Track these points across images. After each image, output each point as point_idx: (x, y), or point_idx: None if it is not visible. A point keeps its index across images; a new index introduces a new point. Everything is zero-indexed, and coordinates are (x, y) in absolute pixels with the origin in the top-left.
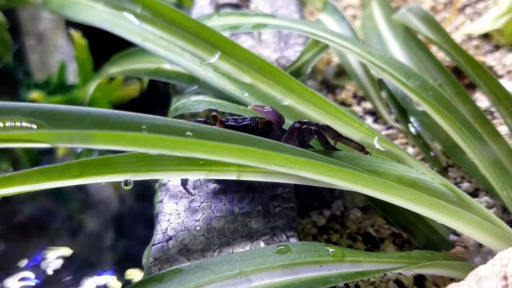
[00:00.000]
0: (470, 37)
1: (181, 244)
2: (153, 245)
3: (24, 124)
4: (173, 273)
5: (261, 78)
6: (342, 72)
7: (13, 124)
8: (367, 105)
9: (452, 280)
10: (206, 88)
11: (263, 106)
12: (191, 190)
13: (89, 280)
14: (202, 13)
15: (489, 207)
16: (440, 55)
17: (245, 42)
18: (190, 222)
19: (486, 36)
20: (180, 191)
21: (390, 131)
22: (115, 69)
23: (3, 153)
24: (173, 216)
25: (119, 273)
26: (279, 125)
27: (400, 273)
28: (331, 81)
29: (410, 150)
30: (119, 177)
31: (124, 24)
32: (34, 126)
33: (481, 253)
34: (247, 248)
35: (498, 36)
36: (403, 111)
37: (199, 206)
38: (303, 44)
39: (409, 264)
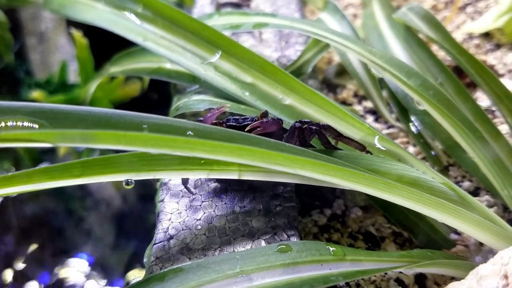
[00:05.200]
0: (471, 36)
1: (182, 243)
2: (154, 244)
3: (26, 124)
4: (174, 272)
5: (262, 78)
6: (343, 71)
7: (15, 124)
8: (368, 104)
9: (453, 279)
10: (207, 87)
11: (262, 121)
12: (192, 189)
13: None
14: (203, 13)
15: (490, 206)
16: (441, 54)
17: (246, 41)
18: (191, 221)
19: (487, 35)
20: (181, 190)
21: (391, 130)
22: (116, 68)
23: (5, 153)
24: (174, 215)
25: (120, 272)
26: (279, 130)
27: (401, 272)
28: (332, 80)
29: (411, 149)
30: (121, 177)
31: (125, 24)
32: (36, 126)
33: (482, 252)
34: (248, 247)
35: (499, 35)
36: (404, 110)
37: (200, 205)
38: (304, 44)
39: (410, 263)
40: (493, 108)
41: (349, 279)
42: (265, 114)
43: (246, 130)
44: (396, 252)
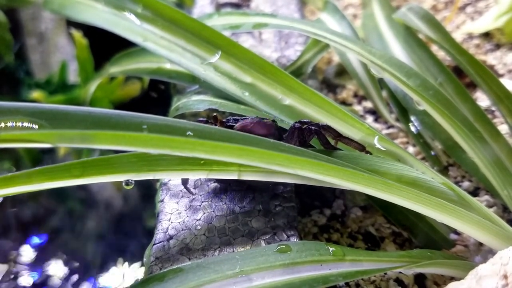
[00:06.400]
0: (470, 36)
1: (182, 243)
2: (154, 244)
3: (26, 124)
4: (174, 272)
5: (262, 78)
6: (342, 71)
7: (14, 124)
8: (368, 104)
9: (452, 279)
10: (207, 87)
11: (252, 121)
12: (192, 190)
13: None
14: (203, 13)
15: (490, 206)
16: (440, 54)
17: (246, 41)
18: (191, 221)
19: (486, 35)
20: (181, 191)
21: (390, 130)
22: (116, 68)
23: (5, 153)
24: (174, 215)
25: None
26: (273, 131)
27: (400, 272)
28: (331, 80)
29: (411, 149)
30: (121, 177)
31: (125, 24)
32: (36, 126)
33: (482, 252)
34: (248, 247)
35: (498, 35)
36: (403, 110)
37: (200, 205)
38: (303, 44)
39: (409, 263)
40: (493, 108)
41: (349, 279)
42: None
43: (235, 128)
44: (396, 252)
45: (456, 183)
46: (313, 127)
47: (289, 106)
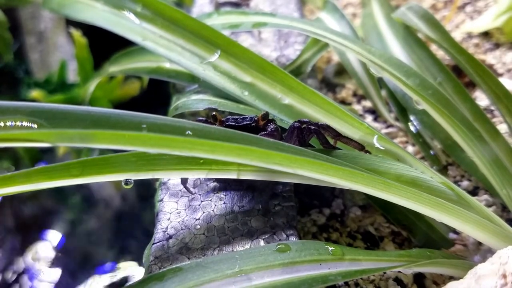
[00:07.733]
0: (470, 35)
1: (182, 243)
2: (153, 243)
3: (25, 123)
4: (174, 272)
5: (261, 77)
6: (342, 70)
7: (14, 123)
8: (367, 103)
9: (451, 278)
10: (206, 87)
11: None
12: (191, 189)
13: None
14: (202, 12)
15: (489, 205)
16: (440, 53)
17: (245, 40)
18: (190, 221)
19: (486, 34)
20: (180, 190)
21: (390, 130)
22: (115, 68)
23: (4, 152)
24: (173, 214)
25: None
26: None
27: (399, 272)
28: (331, 80)
29: (410, 148)
30: (120, 177)
31: (124, 23)
32: (35, 126)
33: (481, 252)
34: (247, 246)
35: (498, 34)
36: (403, 110)
37: (199, 205)
38: (303, 43)
39: (408, 263)
40: (492, 108)
41: (348, 279)
42: (265, 115)
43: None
44: (395, 251)
45: (455, 182)
46: (313, 127)
47: (288, 105)
